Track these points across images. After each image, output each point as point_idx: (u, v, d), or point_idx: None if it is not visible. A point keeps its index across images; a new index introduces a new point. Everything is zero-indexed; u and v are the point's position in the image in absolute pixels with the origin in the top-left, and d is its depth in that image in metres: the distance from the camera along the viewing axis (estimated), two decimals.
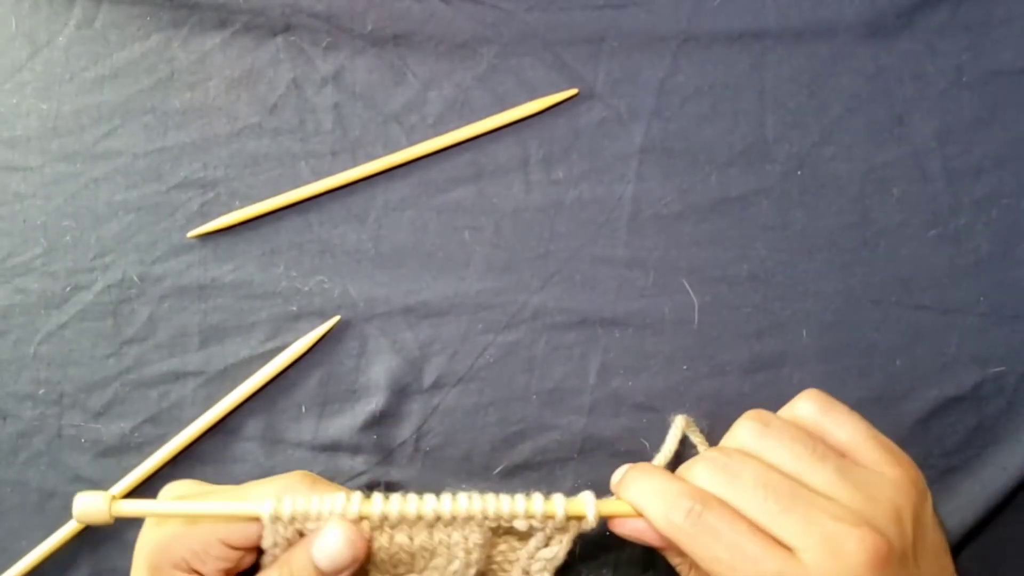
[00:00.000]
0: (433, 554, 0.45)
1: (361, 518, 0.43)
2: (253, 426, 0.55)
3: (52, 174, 0.56)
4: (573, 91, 0.57)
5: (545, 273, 0.56)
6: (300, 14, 0.57)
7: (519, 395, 0.55)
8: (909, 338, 0.56)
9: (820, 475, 0.43)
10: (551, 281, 0.56)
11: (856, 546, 0.40)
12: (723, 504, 0.43)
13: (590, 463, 0.55)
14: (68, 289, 0.56)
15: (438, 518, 0.44)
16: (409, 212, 0.56)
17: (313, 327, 0.55)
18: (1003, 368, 0.56)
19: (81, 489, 0.54)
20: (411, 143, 0.56)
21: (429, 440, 0.55)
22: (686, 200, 0.56)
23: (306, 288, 0.56)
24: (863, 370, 0.56)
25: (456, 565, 0.45)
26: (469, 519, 0.44)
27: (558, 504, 0.44)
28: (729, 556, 0.41)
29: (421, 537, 0.45)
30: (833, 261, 0.56)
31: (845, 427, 0.45)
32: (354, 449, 0.55)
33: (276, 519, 0.43)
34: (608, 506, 0.45)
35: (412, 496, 0.44)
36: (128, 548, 0.55)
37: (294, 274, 0.56)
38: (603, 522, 0.45)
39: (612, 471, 0.53)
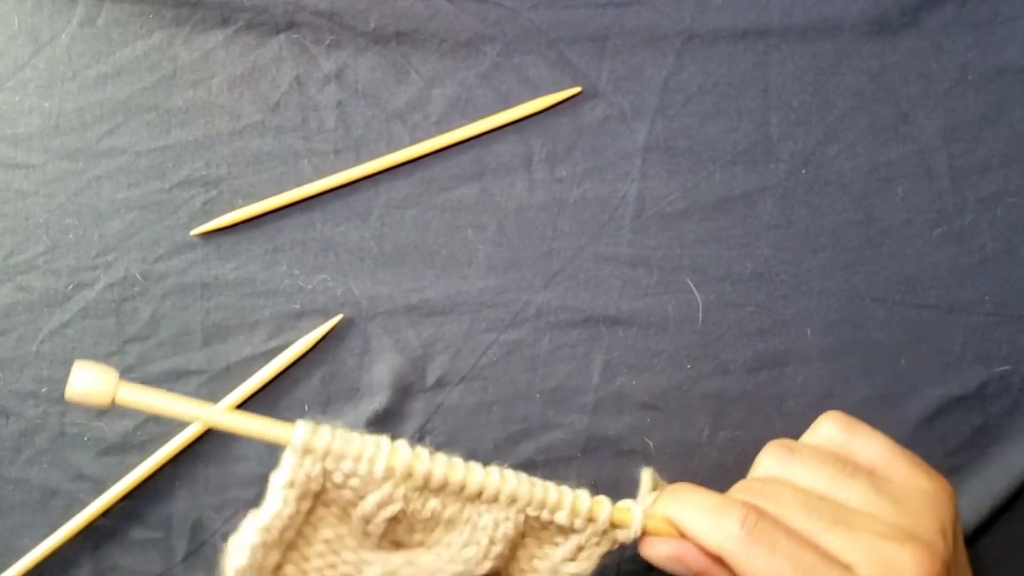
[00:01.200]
0: (453, 527, 0.41)
1: (406, 474, 0.39)
2: None
3: (54, 172, 0.56)
4: (577, 89, 0.57)
5: (548, 271, 0.56)
6: (303, 12, 0.57)
7: (522, 394, 0.55)
8: (913, 337, 0.56)
9: (855, 493, 0.42)
10: (554, 280, 0.56)
11: (910, 562, 0.39)
12: (774, 517, 0.41)
13: (593, 462, 0.55)
14: (71, 287, 0.56)
15: (481, 492, 0.40)
16: (412, 210, 0.56)
17: (316, 325, 0.55)
18: (1008, 367, 0.55)
19: (84, 487, 0.55)
20: (414, 141, 0.56)
21: (432, 439, 0.55)
22: (690, 198, 0.56)
23: (309, 286, 0.56)
24: (867, 369, 0.55)
25: (472, 552, 0.40)
26: (512, 501, 0.40)
27: (604, 507, 0.41)
28: (788, 568, 0.39)
29: (451, 509, 0.40)
30: (837, 260, 0.56)
31: (872, 445, 0.44)
32: None
33: (308, 451, 0.38)
34: (653, 522, 0.42)
35: (458, 461, 0.40)
36: (131, 546, 0.55)
37: (297, 272, 0.56)
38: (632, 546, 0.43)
39: (616, 470, 0.53)
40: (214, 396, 0.55)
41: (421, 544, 0.41)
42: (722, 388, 0.55)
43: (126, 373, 0.55)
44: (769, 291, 0.56)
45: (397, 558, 0.41)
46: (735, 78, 0.57)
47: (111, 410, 0.55)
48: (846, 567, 0.40)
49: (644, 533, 0.41)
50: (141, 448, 0.55)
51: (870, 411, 0.55)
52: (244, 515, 0.54)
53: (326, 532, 0.40)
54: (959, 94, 0.57)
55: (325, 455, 0.38)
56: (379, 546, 0.41)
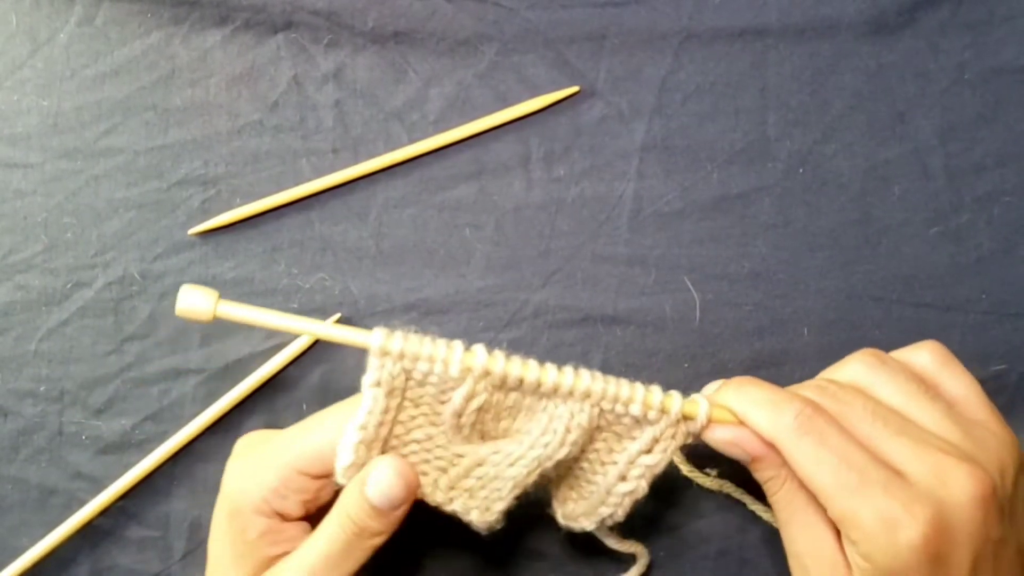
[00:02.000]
0: (533, 414, 0.45)
1: (484, 373, 0.43)
2: (254, 423, 0.55)
3: (53, 171, 0.56)
4: (574, 88, 0.57)
5: (546, 271, 0.56)
6: (301, 11, 0.57)
7: None
8: (911, 336, 0.55)
9: (929, 414, 0.44)
10: (552, 279, 0.56)
11: (965, 479, 0.40)
12: (832, 416, 0.43)
13: None
14: (69, 286, 0.56)
15: (556, 389, 0.44)
16: (410, 210, 0.56)
17: None
18: (1004, 366, 0.56)
19: (82, 486, 0.55)
20: (412, 141, 0.56)
21: None
22: (687, 198, 0.56)
23: (307, 286, 0.56)
24: None
25: (549, 439, 0.44)
26: (586, 396, 0.44)
27: (675, 400, 0.44)
28: (834, 461, 0.41)
29: (530, 399, 0.44)
30: (834, 259, 0.56)
31: (961, 381, 0.46)
32: None
33: (385, 353, 0.42)
34: (717, 412, 0.45)
35: (532, 362, 0.44)
36: (128, 545, 0.55)
37: (295, 272, 0.56)
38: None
39: None
40: (212, 395, 0.55)
41: (506, 432, 0.46)
42: None
43: (124, 372, 0.55)
44: (767, 290, 0.56)
45: (484, 449, 0.45)
46: (733, 78, 0.57)
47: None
48: (898, 472, 0.41)
49: (709, 422, 0.45)
50: (139, 447, 0.55)
51: None
52: None
53: (417, 434, 0.45)
54: (956, 94, 0.57)
55: (401, 356, 0.42)
56: (468, 439, 0.45)
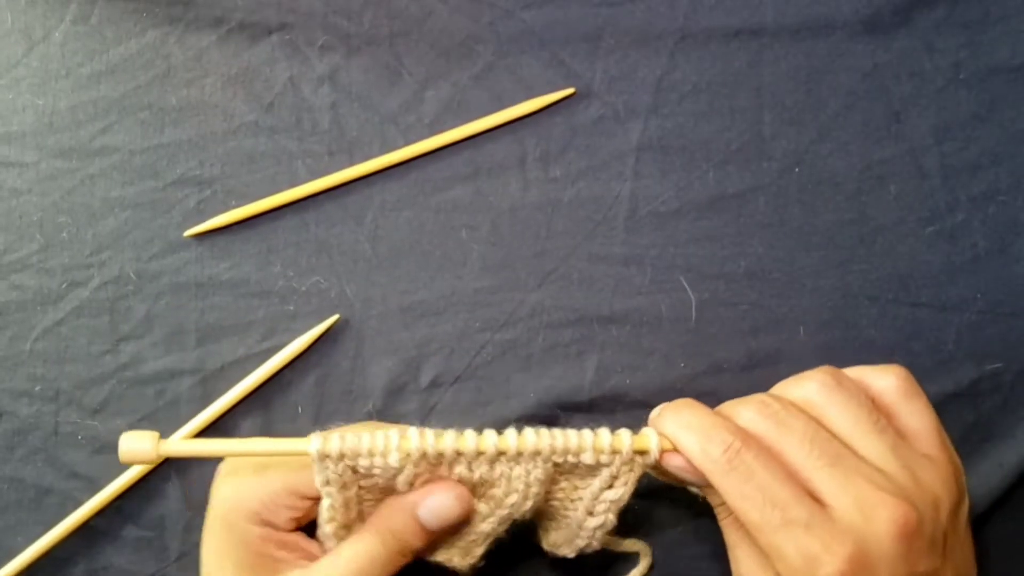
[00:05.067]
0: (492, 484, 0.45)
1: (421, 455, 0.43)
2: (249, 426, 0.55)
3: (48, 170, 0.56)
4: (570, 89, 0.57)
5: (542, 271, 0.56)
6: (295, 12, 0.57)
7: (517, 393, 0.55)
8: (906, 335, 0.56)
9: (873, 446, 0.43)
10: (548, 279, 0.56)
11: (888, 514, 0.40)
12: (763, 447, 0.43)
13: None
14: (64, 286, 0.56)
15: (500, 454, 0.44)
16: (406, 212, 0.56)
17: (310, 327, 0.55)
18: (1000, 365, 0.56)
19: (77, 486, 0.55)
20: (408, 142, 0.56)
21: None
22: (683, 197, 0.56)
23: (303, 288, 0.56)
24: None
25: (514, 498, 0.45)
26: (535, 454, 0.44)
27: (624, 439, 0.44)
28: (759, 498, 0.41)
29: (482, 470, 0.44)
30: (830, 258, 0.56)
31: (917, 415, 0.45)
32: None
33: (324, 456, 0.43)
34: (669, 443, 0.45)
35: (470, 432, 0.44)
36: (123, 546, 0.55)
37: (291, 274, 0.56)
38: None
39: None
40: (208, 396, 0.55)
41: (472, 493, 0.46)
42: (716, 387, 0.55)
43: (120, 372, 0.55)
44: (762, 290, 0.56)
45: None
46: (728, 77, 0.57)
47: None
48: (823, 505, 0.41)
49: (663, 453, 0.45)
50: None
51: None
52: None
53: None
54: (951, 93, 0.57)
55: (340, 457, 0.43)
56: None
